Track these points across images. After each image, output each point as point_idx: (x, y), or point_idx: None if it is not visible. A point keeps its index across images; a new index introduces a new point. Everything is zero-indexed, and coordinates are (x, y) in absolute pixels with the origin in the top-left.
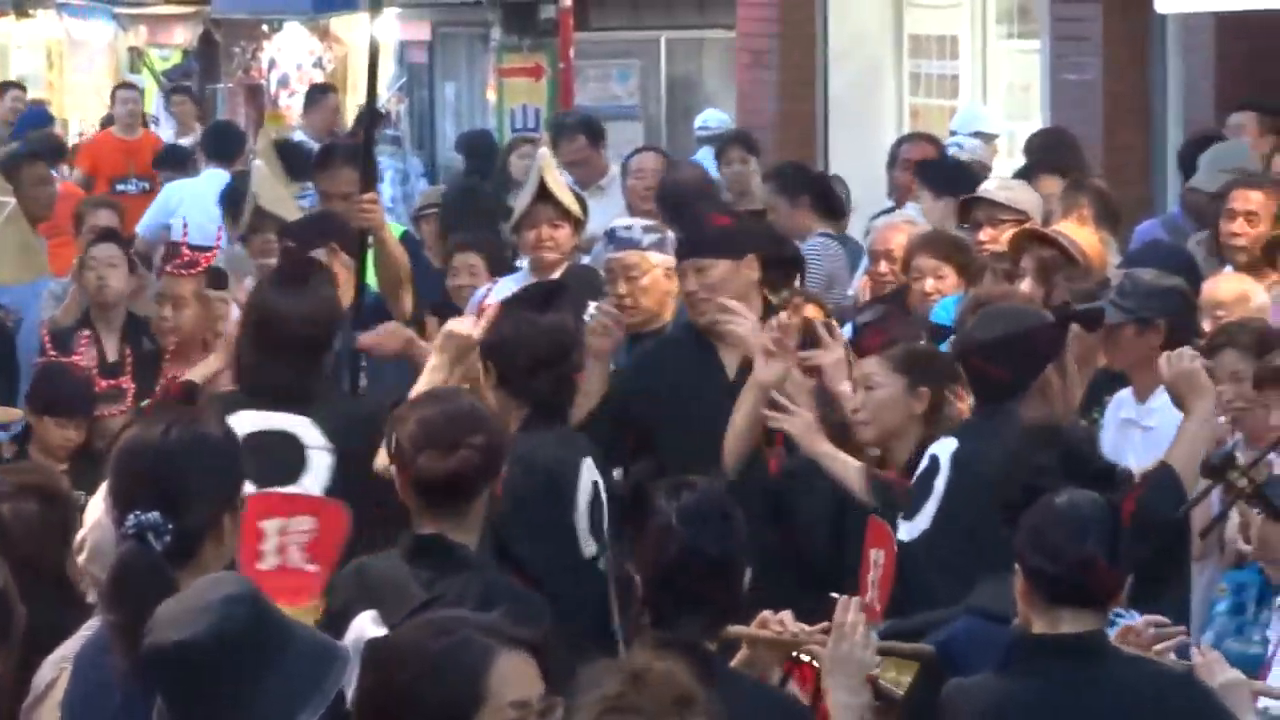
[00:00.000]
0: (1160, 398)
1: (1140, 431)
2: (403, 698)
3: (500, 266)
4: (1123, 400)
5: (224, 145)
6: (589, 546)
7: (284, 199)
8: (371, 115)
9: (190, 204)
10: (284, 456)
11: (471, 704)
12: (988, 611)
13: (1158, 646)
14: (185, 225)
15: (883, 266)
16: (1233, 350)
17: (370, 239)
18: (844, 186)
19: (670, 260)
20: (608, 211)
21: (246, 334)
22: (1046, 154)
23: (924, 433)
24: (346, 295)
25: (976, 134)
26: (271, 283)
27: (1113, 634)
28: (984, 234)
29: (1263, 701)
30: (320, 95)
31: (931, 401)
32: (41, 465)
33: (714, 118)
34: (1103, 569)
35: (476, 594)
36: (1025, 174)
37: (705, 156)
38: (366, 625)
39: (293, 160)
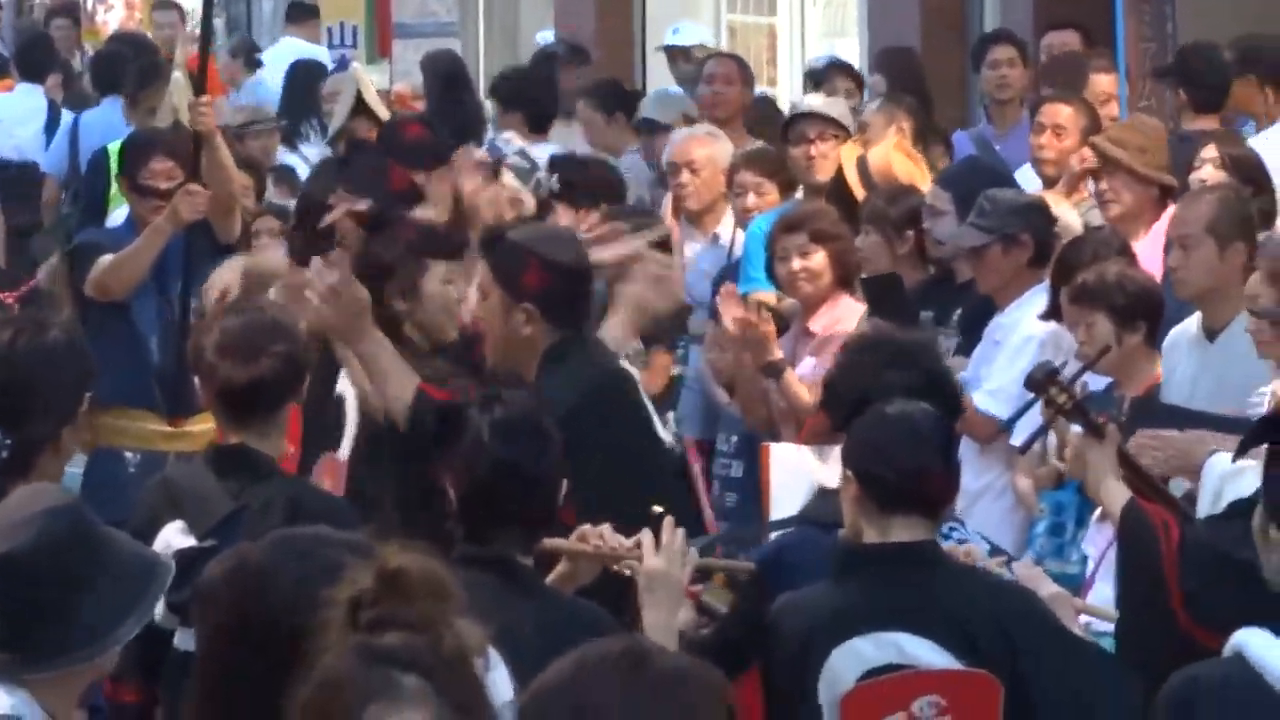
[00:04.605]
0: (1010, 314)
1: (993, 346)
2: (264, 622)
3: None
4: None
5: (37, 61)
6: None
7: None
8: (208, 14)
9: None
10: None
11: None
12: (824, 522)
13: (984, 562)
14: None
15: (683, 177)
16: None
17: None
18: None
19: None
20: None
21: None
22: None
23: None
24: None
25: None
26: None
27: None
28: (814, 149)
29: (1083, 618)
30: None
31: None
32: None
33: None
34: (938, 476)
35: (283, 503)
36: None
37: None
38: (174, 536)
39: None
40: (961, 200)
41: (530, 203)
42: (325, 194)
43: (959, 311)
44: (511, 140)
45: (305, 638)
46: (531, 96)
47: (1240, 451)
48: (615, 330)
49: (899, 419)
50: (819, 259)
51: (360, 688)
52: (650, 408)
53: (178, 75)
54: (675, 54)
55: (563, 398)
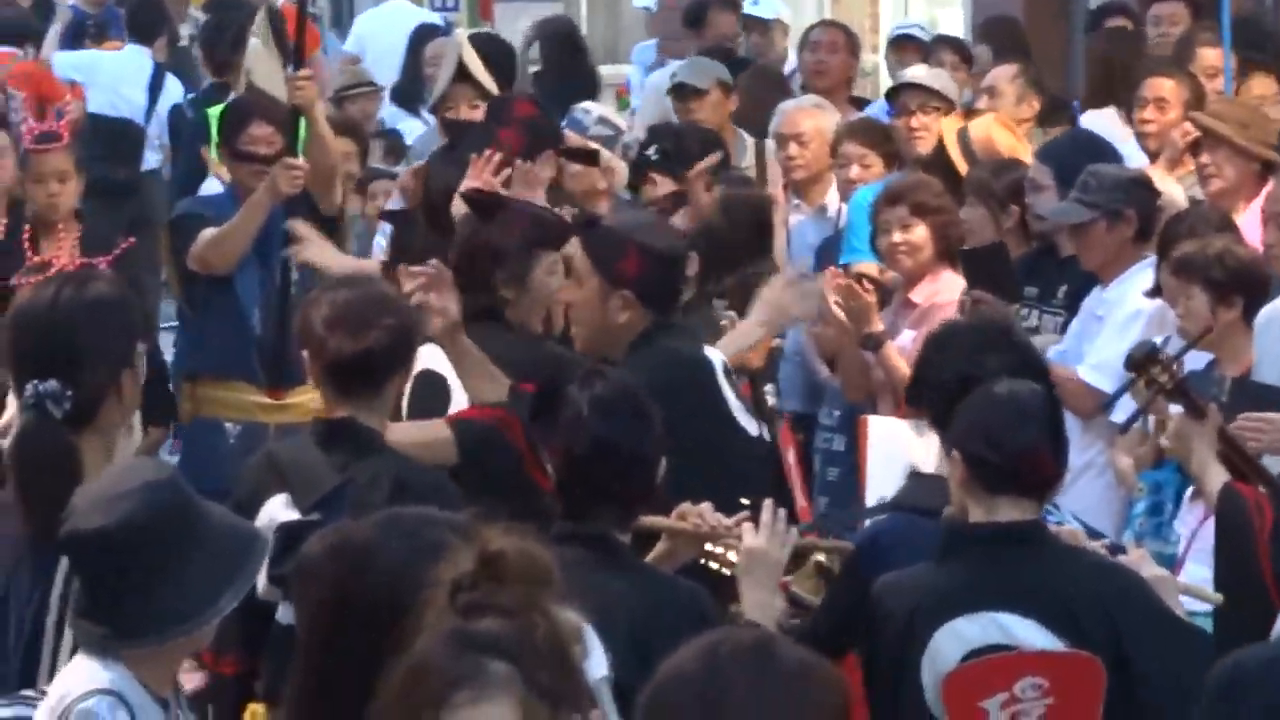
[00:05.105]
0: (1114, 289)
1: (1096, 321)
2: (366, 600)
3: None
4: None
5: (147, 23)
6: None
7: (275, 76)
8: None
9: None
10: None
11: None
12: (917, 507)
13: (1090, 544)
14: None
15: (791, 149)
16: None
17: (303, 119)
18: None
19: None
20: None
21: None
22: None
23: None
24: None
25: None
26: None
27: None
28: (915, 121)
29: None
30: None
31: None
32: None
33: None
34: (1045, 457)
35: (389, 478)
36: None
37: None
38: (278, 509)
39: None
40: (1062, 175)
41: (622, 168)
42: (446, 188)
43: (1064, 289)
44: (591, 110)
45: (406, 617)
46: (492, 58)
47: None
48: (746, 329)
49: (1007, 400)
50: (920, 232)
51: (448, 673)
52: (731, 395)
53: (255, 42)
54: (752, 25)
55: (638, 382)
